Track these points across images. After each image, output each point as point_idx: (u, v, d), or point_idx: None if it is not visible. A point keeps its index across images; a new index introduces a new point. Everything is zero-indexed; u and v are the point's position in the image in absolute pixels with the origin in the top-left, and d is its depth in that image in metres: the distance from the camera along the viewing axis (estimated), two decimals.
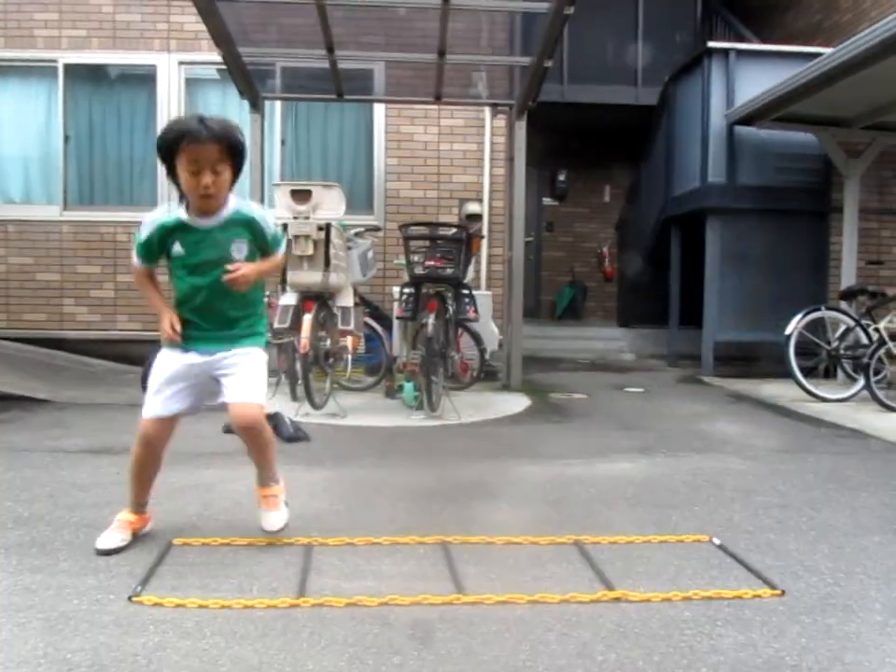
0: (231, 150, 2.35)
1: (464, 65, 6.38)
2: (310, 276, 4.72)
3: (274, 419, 4.36)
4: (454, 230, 5.16)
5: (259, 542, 2.56)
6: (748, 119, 7.19)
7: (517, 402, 5.66)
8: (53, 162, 7.27)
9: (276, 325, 4.78)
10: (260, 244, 2.52)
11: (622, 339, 10.06)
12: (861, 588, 2.26)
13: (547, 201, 12.26)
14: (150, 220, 2.46)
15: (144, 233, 2.46)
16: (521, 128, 6.21)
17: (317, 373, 5.23)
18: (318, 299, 4.82)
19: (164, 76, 7.23)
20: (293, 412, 4.84)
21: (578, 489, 3.33)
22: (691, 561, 2.45)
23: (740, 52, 7.58)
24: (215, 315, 2.50)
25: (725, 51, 7.55)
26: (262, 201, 6.11)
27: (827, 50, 6.07)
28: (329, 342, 5.06)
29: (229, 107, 7.19)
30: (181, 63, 7.23)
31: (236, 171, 2.42)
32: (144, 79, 7.31)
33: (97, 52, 7.20)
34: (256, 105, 6.15)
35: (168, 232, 2.43)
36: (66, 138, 7.25)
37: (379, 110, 7.33)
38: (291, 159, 7.42)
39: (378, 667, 1.75)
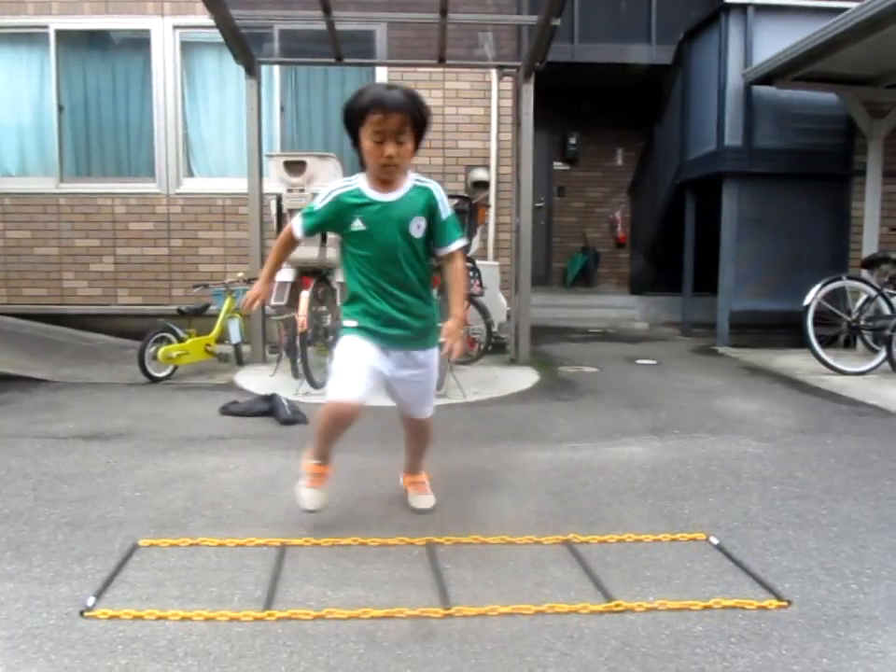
0: (416, 121, 2.31)
1: (468, 25, 6.12)
2: (306, 252, 4.53)
3: (271, 401, 4.23)
4: (456, 200, 4.94)
5: (248, 543, 2.42)
6: (767, 79, 6.87)
7: (525, 377, 5.49)
8: (47, 133, 7.08)
9: (273, 302, 4.63)
10: (435, 227, 2.46)
11: (634, 307, 9.83)
12: (888, 595, 2.10)
13: (558, 165, 11.94)
14: (329, 191, 2.43)
15: (319, 203, 2.43)
16: (528, 91, 5.93)
17: (320, 348, 5.08)
18: (316, 274, 4.64)
19: (159, 40, 6.98)
20: (293, 390, 4.70)
21: (585, 477, 3.17)
22: (694, 564, 2.29)
23: (759, 7, 7.20)
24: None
25: (743, 7, 7.17)
26: (259, 171, 5.91)
27: (852, 5, 5.73)
28: (329, 318, 4.90)
29: (226, 72, 6.98)
30: (176, 26, 6.97)
31: (417, 143, 2.39)
32: (138, 45, 7.06)
33: (89, 17, 6.95)
34: (251, 71, 5.91)
35: (347, 206, 2.39)
36: (60, 108, 7.04)
37: (381, 73, 7.05)
38: (291, 126, 7.18)
39: None
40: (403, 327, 2.43)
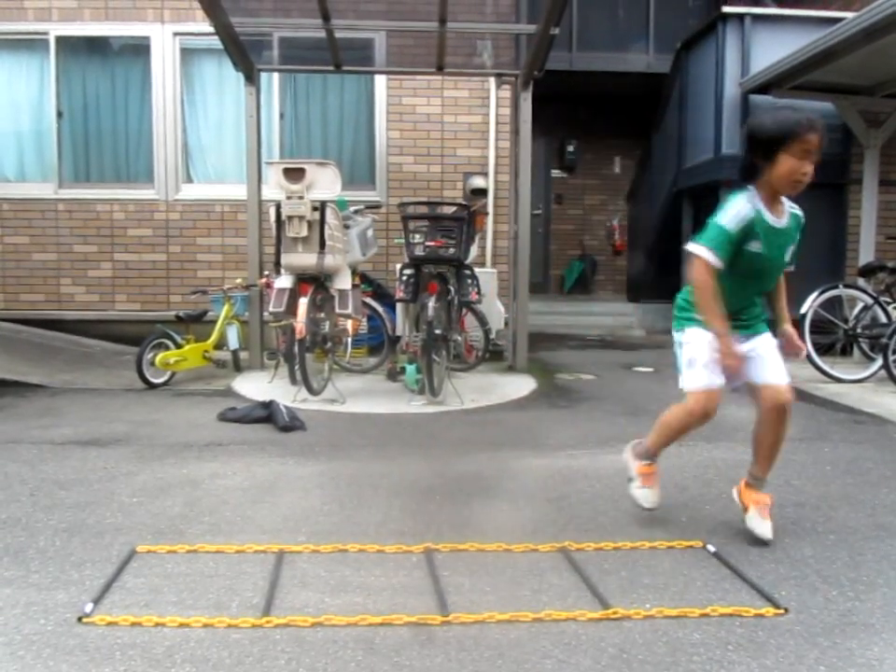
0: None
1: (467, 34, 6.14)
2: (304, 259, 4.54)
3: (270, 407, 4.23)
4: (454, 208, 4.95)
5: (246, 550, 2.42)
6: (764, 88, 6.91)
7: (522, 384, 5.49)
8: (46, 139, 7.08)
9: (272, 308, 4.63)
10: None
11: (631, 314, 9.85)
12: (884, 603, 2.10)
13: (556, 172, 11.97)
14: (736, 213, 2.39)
15: (730, 225, 2.39)
16: (526, 99, 5.95)
17: (318, 354, 5.09)
18: (314, 281, 4.65)
19: (158, 47, 6.99)
20: (291, 397, 4.70)
21: (582, 484, 3.18)
22: (691, 572, 2.29)
23: (756, 17, 7.26)
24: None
25: (741, 16, 7.23)
26: (258, 178, 5.92)
27: (848, 15, 5.78)
28: (327, 324, 4.90)
29: (225, 79, 6.99)
30: (175, 33, 6.99)
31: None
32: (138, 51, 7.07)
33: (89, 24, 6.96)
34: (251, 78, 5.93)
35: (754, 229, 2.41)
36: (59, 114, 7.05)
37: (380, 81, 7.08)
38: (290, 133, 7.19)
39: None
40: (745, 326, 2.57)
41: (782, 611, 2.03)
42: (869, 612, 2.05)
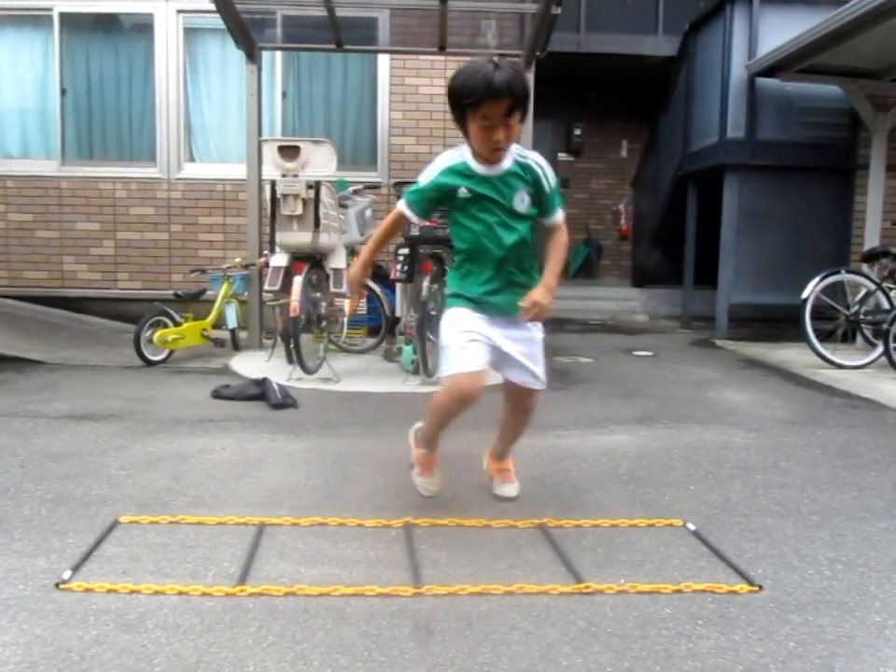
0: (524, 101, 2.27)
1: (469, 13, 6.09)
2: (299, 237, 4.54)
3: (263, 385, 4.25)
4: None
5: (227, 522, 2.43)
6: (770, 71, 6.83)
7: None
8: (50, 116, 7.09)
9: (267, 287, 4.64)
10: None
11: (635, 299, 9.82)
12: (860, 582, 2.10)
13: (562, 156, 11.90)
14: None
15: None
16: (528, 80, 5.89)
17: (317, 334, 5.10)
18: (310, 260, 4.65)
19: (162, 25, 6.98)
20: (286, 376, 4.71)
21: (569, 463, 3.18)
22: (669, 549, 2.29)
23: None
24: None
25: None
26: (258, 158, 5.90)
27: None
28: (323, 304, 4.91)
29: (228, 58, 6.97)
30: (179, 11, 6.97)
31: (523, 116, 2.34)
32: (141, 29, 7.06)
33: (93, 0, 6.95)
34: (252, 56, 5.91)
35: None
36: (63, 91, 7.05)
37: (383, 62, 7.04)
38: (293, 112, 7.17)
39: (323, 670, 1.63)
40: None
41: (756, 588, 2.03)
42: (845, 591, 2.04)
